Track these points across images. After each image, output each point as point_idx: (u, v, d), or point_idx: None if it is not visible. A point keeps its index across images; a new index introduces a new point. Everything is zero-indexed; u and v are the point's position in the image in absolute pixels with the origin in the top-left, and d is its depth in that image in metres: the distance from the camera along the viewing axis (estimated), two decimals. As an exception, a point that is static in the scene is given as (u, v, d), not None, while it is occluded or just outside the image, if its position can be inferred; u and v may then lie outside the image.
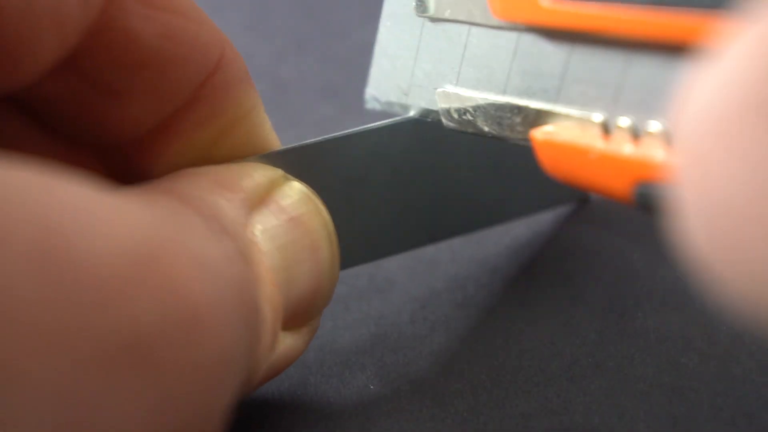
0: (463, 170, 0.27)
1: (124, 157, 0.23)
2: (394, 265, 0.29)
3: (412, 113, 0.25)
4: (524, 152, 0.28)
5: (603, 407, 0.24)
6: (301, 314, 0.22)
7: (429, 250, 0.29)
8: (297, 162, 0.23)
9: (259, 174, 0.22)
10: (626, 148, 0.19)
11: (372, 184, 0.25)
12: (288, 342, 0.22)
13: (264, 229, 0.21)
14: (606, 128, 0.20)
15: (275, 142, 0.24)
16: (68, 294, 0.15)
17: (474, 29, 0.23)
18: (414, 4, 0.24)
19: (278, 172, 0.22)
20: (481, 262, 0.29)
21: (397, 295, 0.28)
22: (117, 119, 0.21)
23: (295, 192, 0.22)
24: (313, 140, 0.24)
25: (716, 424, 0.23)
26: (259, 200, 0.22)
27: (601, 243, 0.29)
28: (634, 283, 0.28)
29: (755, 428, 0.23)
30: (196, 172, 0.21)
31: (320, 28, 0.44)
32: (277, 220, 0.22)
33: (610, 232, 0.30)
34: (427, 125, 0.25)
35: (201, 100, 0.22)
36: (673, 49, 0.18)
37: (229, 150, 0.23)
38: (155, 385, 0.16)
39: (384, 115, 0.25)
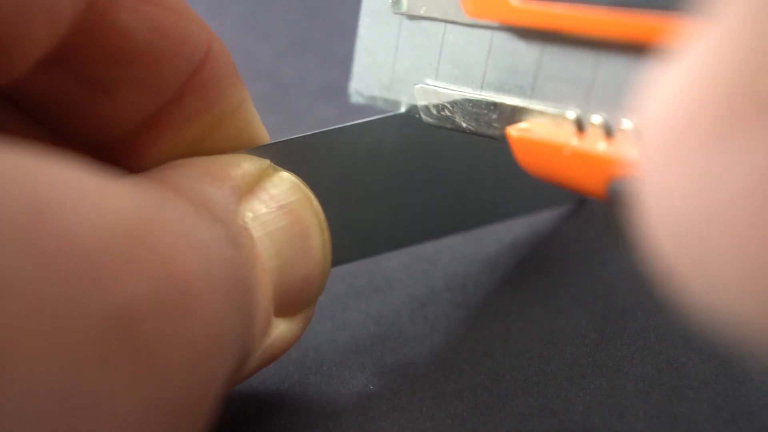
0: (459, 167, 0.27)
1: (113, 154, 0.23)
2: (393, 264, 0.29)
3: (402, 109, 0.25)
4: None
5: (603, 407, 0.24)
6: (294, 301, 0.22)
7: (429, 250, 0.29)
8: (286, 156, 0.23)
9: (247, 164, 0.22)
10: (600, 145, 0.19)
11: (365, 179, 0.25)
12: (282, 328, 0.22)
13: (254, 217, 0.21)
14: (580, 125, 0.20)
15: (265, 137, 0.24)
16: (56, 270, 0.15)
17: (450, 26, 0.23)
18: (390, 0, 0.24)
19: (266, 162, 0.23)
20: (481, 262, 0.29)
21: (397, 294, 0.28)
22: (106, 115, 0.22)
23: (283, 181, 0.23)
24: (302, 135, 0.24)
25: (716, 423, 0.23)
26: (248, 189, 0.22)
27: (601, 242, 0.29)
28: (634, 282, 0.28)
29: (755, 427, 0.23)
30: (184, 163, 0.22)
31: (320, 28, 0.44)
32: (266, 208, 0.22)
33: (610, 231, 0.30)
34: (419, 120, 0.25)
35: (189, 94, 0.22)
36: (639, 48, 0.18)
37: (219, 145, 0.23)
38: (146, 360, 0.16)
39: (379, 112, 0.26)
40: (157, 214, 0.17)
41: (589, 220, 0.30)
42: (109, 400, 0.15)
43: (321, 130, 0.24)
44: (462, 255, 0.29)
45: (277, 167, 0.23)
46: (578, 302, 0.27)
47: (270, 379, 0.25)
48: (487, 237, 0.30)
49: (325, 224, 0.23)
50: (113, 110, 0.22)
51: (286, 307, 0.22)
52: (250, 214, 0.21)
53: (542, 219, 0.30)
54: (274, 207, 0.22)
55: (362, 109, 0.27)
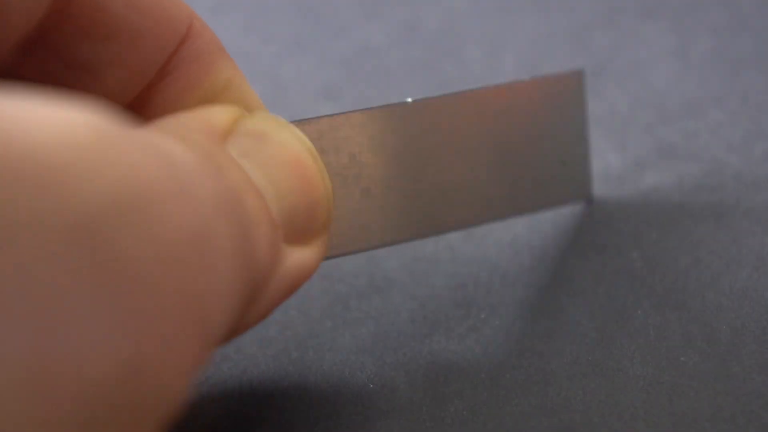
0: (461, 162, 0.27)
1: None
2: (393, 264, 0.29)
3: (408, 99, 0.25)
4: (526, 147, 0.28)
5: (603, 406, 0.24)
6: (303, 228, 0.22)
7: (428, 249, 0.29)
8: None
9: (220, 109, 0.21)
10: None
11: (366, 169, 0.25)
12: (297, 256, 0.21)
13: (239, 152, 0.21)
14: None
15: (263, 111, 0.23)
16: (7, 181, 0.14)
17: None
18: None
19: (239, 108, 0.22)
20: (481, 261, 0.29)
21: (397, 294, 0.28)
22: (92, 95, 0.21)
23: (260, 117, 0.22)
24: (302, 119, 0.24)
25: (716, 422, 0.23)
26: (228, 130, 0.21)
27: (600, 241, 0.29)
28: (634, 281, 0.28)
29: (755, 427, 0.23)
30: (158, 121, 0.21)
31: (320, 28, 0.44)
32: (251, 142, 0.21)
33: (610, 230, 0.30)
34: (421, 112, 0.25)
35: (173, 72, 0.22)
36: None
37: None
38: (112, 273, 0.15)
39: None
40: (118, 129, 0.16)
41: (589, 220, 0.30)
42: (71, 320, 0.15)
43: (321, 116, 0.24)
44: (462, 254, 0.29)
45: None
46: (578, 301, 0.27)
47: (270, 378, 0.25)
48: (487, 236, 0.30)
49: (315, 151, 0.22)
50: (99, 91, 0.21)
51: (296, 234, 0.21)
52: (234, 150, 0.21)
53: (542, 218, 0.30)
54: (258, 140, 0.21)
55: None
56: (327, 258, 0.24)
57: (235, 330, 0.20)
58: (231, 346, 0.26)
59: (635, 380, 0.24)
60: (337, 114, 0.24)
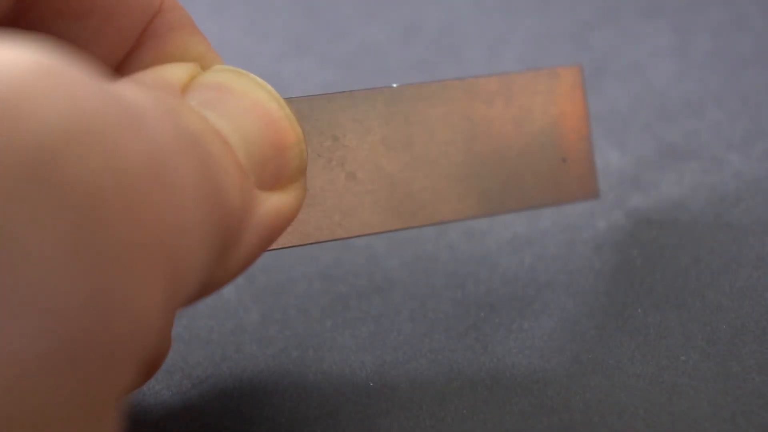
0: (454, 152, 0.27)
1: None
2: (393, 263, 0.29)
3: (394, 84, 0.25)
4: (523, 141, 0.28)
5: (603, 405, 0.24)
6: (276, 172, 0.21)
7: (428, 248, 0.29)
8: None
9: (175, 66, 0.21)
10: None
11: (350, 153, 0.25)
12: (274, 201, 0.21)
13: (200, 103, 0.20)
14: None
15: None
16: None
17: None
18: None
19: (195, 64, 0.22)
20: (481, 259, 0.29)
21: (397, 293, 0.28)
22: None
23: (219, 69, 0.22)
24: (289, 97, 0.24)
25: (716, 422, 0.23)
26: (185, 86, 0.21)
27: (600, 239, 0.29)
28: (634, 279, 0.28)
29: (755, 426, 0.23)
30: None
31: (320, 28, 0.44)
32: (211, 93, 0.21)
33: (610, 229, 0.30)
34: (408, 98, 0.25)
35: (144, 44, 0.22)
36: None
37: None
38: (69, 203, 0.15)
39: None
40: (66, 67, 0.16)
41: (589, 218, 0.30)
42: (35, 250, 0.14)
43: (304, 95, 0.24)
44: (462, 253, 0.29)
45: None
46: (578, 299, 0.27)
47: (270, 377, 0.25)
48: (486, 234, 0.30)
49: (281, 99, 0.22)
50: None
51: (270, 180, 0.21)
52: (194, 102, 0.20)
53: (542, 216, 0.30)
54: (217, 90, 0.21)
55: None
56: (313, 243, 0.24)
57: (219, 278, 0.20)
58: (231, 346, 0.26)
59: (635, 379, 0.24)
60: (316, 95, 0.24)
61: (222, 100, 0.21)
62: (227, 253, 0.19)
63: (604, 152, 0.33)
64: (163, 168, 0.16)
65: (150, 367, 0.23)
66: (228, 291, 0.28)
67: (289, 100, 0.23)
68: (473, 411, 0.24)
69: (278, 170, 0.21)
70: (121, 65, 0.22)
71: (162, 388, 0.25)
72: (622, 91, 0.36)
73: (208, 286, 0.20)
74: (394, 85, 0.25)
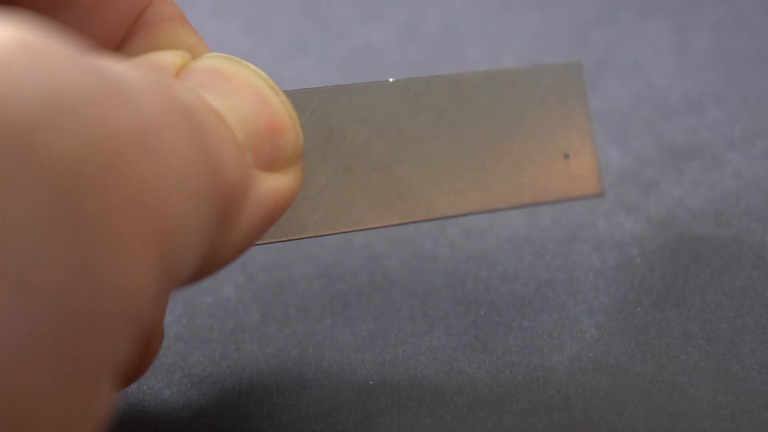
0: (452, 147, 0.27)
1: None
2: (393, 262, 0.29)
3: (391, 79, 0.25)
4: (523, 137, 0.28)
5: (603, 403, 0.24)
6: (272, 154, 0.21)
7: (428, 247, 0.29)
8: None
9: (168, 52, 0.21)
10: None
11: (346, 146, 0.25)
12: (272, 181, 0.21)
13: (194, 85, 0.20)
14: None
15: None
16: None
17: None
18: None
19: (185, 52, 0.22)
20: (481, 257, 0.29)
21: (397, 291, 0.28)
22: None
23: (212, 56, 0.22)
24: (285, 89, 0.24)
25: (715, 421, 0.23)
26: (179, 71, 0.21)
27: (600, 238, 0.29)
28: (634, 278, 0.28)
29: (754, 425, 0.23)
30: None
31: (320, 28, 0.44)
32: (205, 76, 0.21)
33: (610, 227, 0.30)
34: (404, 92, 0.24)
35: (134, 35, 0.22)
36: None
37: None
38: (50, 177, 0.14)
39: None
40: (47, 42, 0.16)
41: (589, 216, 0.30)
42: (18, 224, 0.14)
43: (293, 89, 0.24)
44: (461, 251, 0.29)
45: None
46: (578, 298, 0.27)
47: (270, 376, 0.25)
48: (486, 232, 0.30)
49: (275, 85, 0.22)
50: None
51: (266, 160, 0.21)
52: (189, 83, 0.20)
53: (542, 214, 0.30)
54: (212, 74, 0.21)
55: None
56: (310, 236, 0.24)
57: (220, 256, 0.20)
58: (231, 344, 0.26)
59: (635, 378, 0.24)
60: (313, 87, 0.24)
61: (215, 82, 0.21)
62: (227, 228, 0.19)
63: (604, 150, 0.33)
64: (150, 137, 0.16)
65: (145, 349, 0.22)
66: (228, 290, 0.28)
67: (286, 93, 0.23)
68: (473, 409, 0.24)
69: (275, 152, 0.21)
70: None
71: (162, 387, 0.25)
72: (622, 89, 0.36)
73: (209, 263, 0.19)
74: (391, 80, 0.25)
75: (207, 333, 0.27)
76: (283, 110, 0.21)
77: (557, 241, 0.29)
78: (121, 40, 0.22)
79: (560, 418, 0.23)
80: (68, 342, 0.15)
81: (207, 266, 0.19)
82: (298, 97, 0.24)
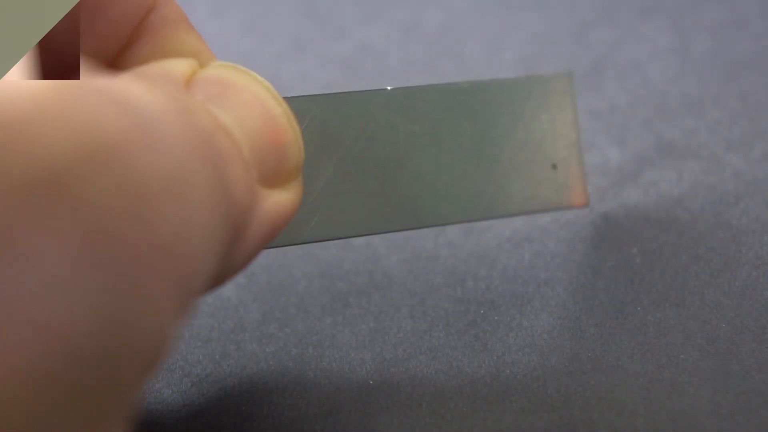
0: (444, 155, 0.27)
1: None
2: (393, 262, 0.29)
3: (388, 87, 0.25)
4: (513, 148, 0.28)
5: (602, 402, 0.24)
6: (276, 169, 0.21)
7: (428, 246, 0.29)
8: None
9: (177, 61, 0.21)
10: None
11: (342, 153, 0.25)
12: (275, 198, 0.21)
13: (203, 97, 0.21)
14: None
15: None
16: None
17: None
18: None
19: (195, 60, 0.22)
20: (480, 257, 0.29)
21: (396, 290, 0.28)
22: None
23: (219, 65, 0.22)
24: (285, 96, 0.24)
25: (715, 420, 0.23)
26: (188, 80, 0.21)
27: (600, 237, 0.29)
28: (633, 277, 0.28)
29: (754, 424, 0.23)
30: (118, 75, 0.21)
31: (320, 28, 0.44)
32: (213, 87, 0.21)
33: (609, 226, 0.30)
34: (400, 101, 0.25)
35: (139, 39, 0.22)
36: None
37: None
38: (79, 226, 0.15)
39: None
40: (79, 85, 0.16)
41: (588, 215, 0.30)
42: (46, 269, 0.14)
43: (291, 96, 0.24)
44: (461, 250, 0.29)
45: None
46: (578, 297, 0.27)
47: (270, 375, 0.25)
48: (486, 231, 0.30)
49: (279, 96, 0.22)
50: None
51: (270, 176, 0.21)
52: (198, 96, 0.21)
53: (542, 213, 0.30)
54: (219, 84, 0.21)
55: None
56: (303, 243, 0.24)
57: (221, 275, 0.20)
58: (231, 344, 0.26)
59: (635, 377, 0.24)
60: (312, 95, 0.24)
61: (224, 95, 0.21)
62: (232, 249, 0.19)
63: (603, 149, 0.33)
64: (177, 181, 0.16)
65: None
66: (228, 290, 0.28)
67: (285, 100, 0.23)
68: (473, 408, 0.24)
69: (277, 166, 0.21)
70: (116, 59, 0.22)
71: (162, 387, 0.25)
72: (621, 89, 0.36)
73: (211, 282, 0.20)
74: (389, 88, 0.25)
75: (207, 332, 0.27)
76: (286, 124, 0.22)
77: (557, 240, 0.29)
78: (125, 44, 0.22)
79: (560, 417, 0.23)
80: (87, 386, 0.15)
81: (214, 283, 0.20)
82: (297, 105, 0.24)
